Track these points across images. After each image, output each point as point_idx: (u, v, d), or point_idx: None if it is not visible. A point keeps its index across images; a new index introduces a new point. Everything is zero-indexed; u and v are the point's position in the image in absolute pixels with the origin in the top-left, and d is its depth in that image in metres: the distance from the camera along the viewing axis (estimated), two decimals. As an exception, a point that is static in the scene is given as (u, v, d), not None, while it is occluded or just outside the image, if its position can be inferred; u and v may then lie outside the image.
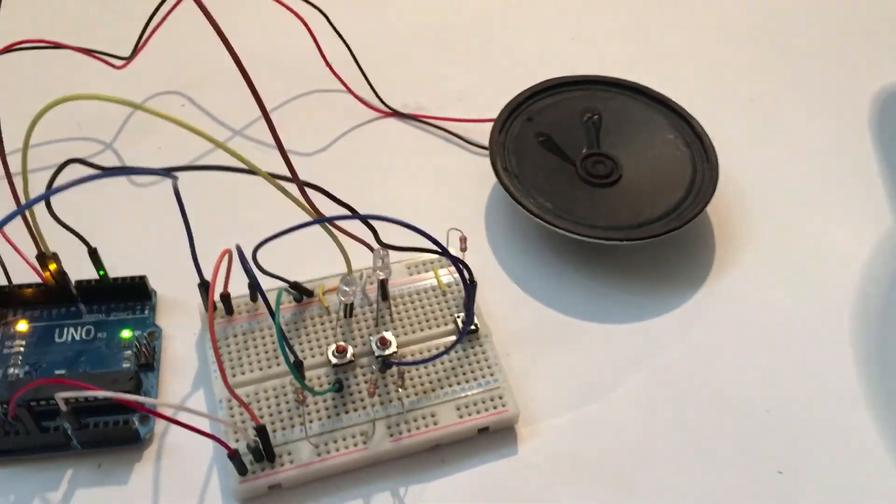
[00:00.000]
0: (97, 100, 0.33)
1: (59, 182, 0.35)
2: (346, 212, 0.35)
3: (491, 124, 0.48)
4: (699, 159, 0.46)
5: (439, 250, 0.37)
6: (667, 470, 0.38)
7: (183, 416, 0.34)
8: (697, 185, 0.45)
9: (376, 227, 0.37)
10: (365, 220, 0.34)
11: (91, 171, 0.34)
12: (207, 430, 0.34)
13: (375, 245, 0.38)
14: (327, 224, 0.35)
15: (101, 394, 0.31)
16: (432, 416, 0.38)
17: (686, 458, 0.39)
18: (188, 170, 0.33)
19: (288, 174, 0.33)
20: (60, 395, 0.32)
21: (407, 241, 0.37)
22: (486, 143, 0.49)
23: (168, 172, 0.32)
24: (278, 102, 0.52)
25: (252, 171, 0.32)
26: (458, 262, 0.35)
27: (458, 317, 0.41)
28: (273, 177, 0.32)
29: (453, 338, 0.41)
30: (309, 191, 0.34)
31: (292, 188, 0.34)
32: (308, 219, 0.34)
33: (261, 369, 0.39)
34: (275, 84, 0.52)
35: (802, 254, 0.46)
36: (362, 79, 0.52)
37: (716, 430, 0.39)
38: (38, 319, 0.41)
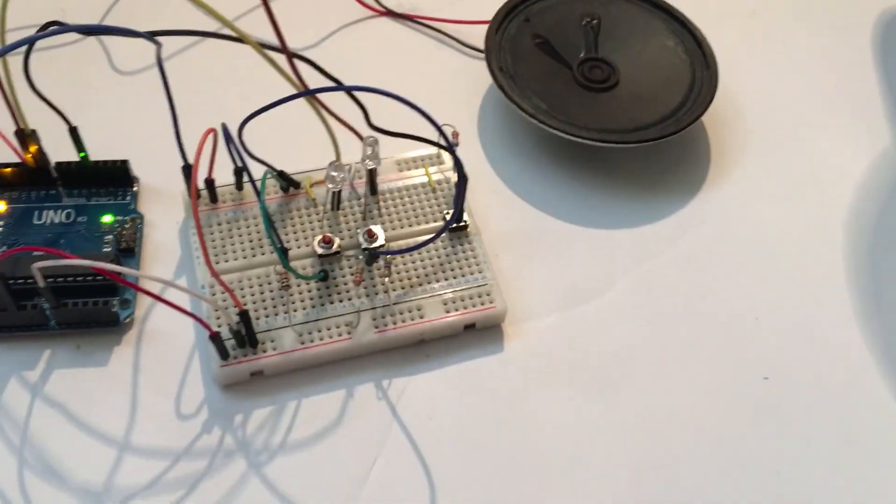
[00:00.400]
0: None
1: (53, 70, 0.33)
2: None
3: (486, 26, 0.47)
4: (698, 66, 0.45)
5: (435, 141, 0.37)
6: (651, 374, 0.38)
7: (165, 294, 0.33)
8: (696, 91, 0.44)
9: (366, 110, 0.36)
10: (351, 92, 0.33)
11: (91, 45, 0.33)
12: (189, 308, 0.33)
13: (366, 133, 0.37)
14: (315, 103, 0.34)
15: (79, 262, 0.30)
16: (418, 309, 0.38)
17: (672, 364, 0.38)
18: (172, 34, 0.31)
19: (264, 43, 0.32)
20: (38, 266, 0.31)
21: (398, 128, 0.37)
22: (481, 45, 0.48)
23: (151, 37, 0.31)
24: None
25: (241, 38, 0.31)
26: (452, 151, 0.34)
27: (448, 213, 0.40)
28: (262, 46, 0.31)
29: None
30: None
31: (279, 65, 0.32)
32: (294, 92, 0.33)
33: (245, 258, 0.38)
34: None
35: (797, 169, 0.46)
36: (356, -25, 0.50)
37: (703, 337, 0.39)
38: (16, 201, 0.40)
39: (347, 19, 0.50)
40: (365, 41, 0.49)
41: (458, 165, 0.34)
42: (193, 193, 0.34)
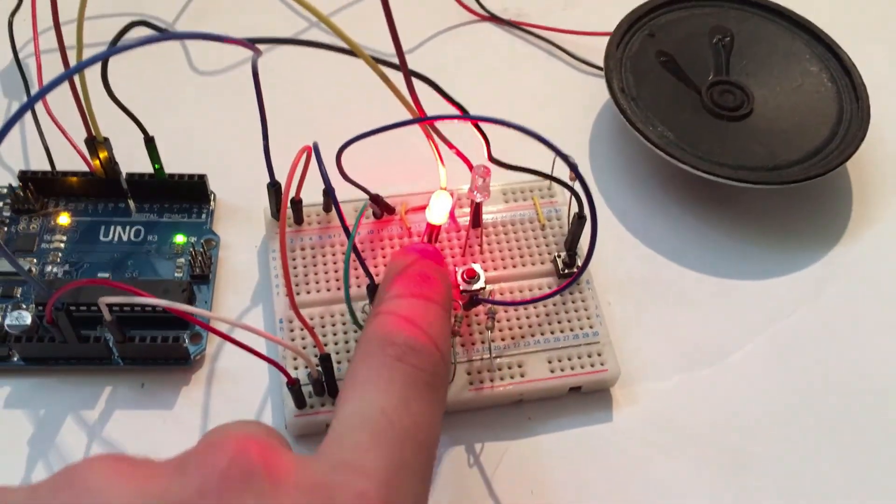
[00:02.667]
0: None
1: (128, 71, 0.29)
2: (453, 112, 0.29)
3: (603, 38, 0.42)
4: (846, 97, 0.40)
5: (562, 181, 0.32)
6: (786, 451, 0.33)
7: (239, 335, 0.29)
8: (844, 127, 0.39)
9: (489, 142, 0.31)
10: (478, 124, 0.29)
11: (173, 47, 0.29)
12: (264, 353, 0.29)
13: (477, 161, 0.32)
14: (430, 130, 0.29)
15: (150, 301, 0.26)
16: (519, 366, 0.33)
17: (809, 440, 0.33)
18: (274, 42, 0.27)
19: (378, 58, 0.27)
20: (105, 301, 0.28)
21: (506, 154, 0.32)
22: (594, 59, 0.43)
23: (251, 44, 0.26)
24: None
25: (353, 51, 0.26)
26: (589, 196, 0.29)
27: (559, 256, 0.35)
28: (376, 62, 0.27)
29: (549, 279, 0.35)
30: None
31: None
32: (408, 116, 0.28)
33: (329, 291, 0.34)
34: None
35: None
36: (458, -25, 0.46)
37: (846, 411, 0.34)
38: (82, 213, 0.36)
39: (446, 24, 0.45)
40: (465, 48, 0.45)
41: (588, 208, 0.29)
42: (283, 217, 0.29)
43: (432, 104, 0.29)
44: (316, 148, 0.30)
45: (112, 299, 0.27)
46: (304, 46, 0.28)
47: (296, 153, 0.30)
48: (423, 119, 0.28)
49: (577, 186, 0.30)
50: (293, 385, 0.30)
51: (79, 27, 0.30)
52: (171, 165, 0.36)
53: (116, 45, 0.22)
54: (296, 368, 0.32)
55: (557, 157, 0.30)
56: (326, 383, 0.31)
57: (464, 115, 0.28)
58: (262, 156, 0.31)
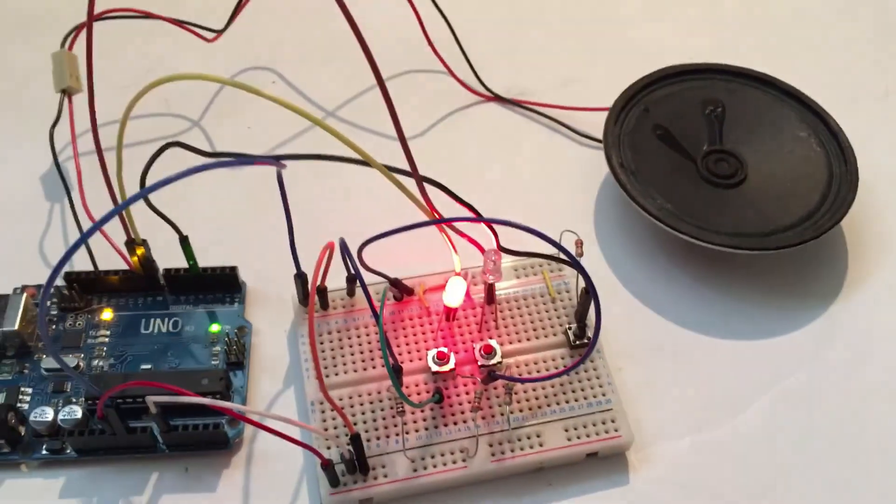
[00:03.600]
0: (202, 80, 0.30)
1: (156, 167, 0.32)
2: (462, 210, 0.32)
3: (600, 114, 0.44)
4: (835, 160, 0.42)
5: (566, 260, 0.34)
6: (800, 505, 0.35)
7: (273, 423, 0.31)
8: (834, 189, 0.41)
9: (498, 236, 0.33)
10: (490, 225, 0.31)
11: (198, 159, 0.32)
12: (299, 435, 0.32)
13: (488, 247, 0.35)
14: (445, 228, 0.32)
15: (194, 400, 0.29)
16: (538, 436, 0.35)
17: (822, 495, 0.35)
18: (297, 158, 0.30)
19: (390, 166, 0.30)
20: (152, 400, 0.30)
21: (519, 240, 0.34)
22: (594, 133, 0.46)
23: (277, 161, 0.29)
24: (372, 83, 0.48)
25: (367, 162, 0.29)
26: (586, 276, 0.31)
27: (570, 328, 0.38)
28: (389, 169, 0.29)
29: (561, 350, 0.37)
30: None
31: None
32: (423, 218, 0.31)
33: (356, 371, 0.36)
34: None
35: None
36: (462, 60, 0.48)
37: (856, 464, 0.36)
38: (123, 308, 0.39)
39: (455, 105, 0.48)
40: (473, 128, 0.47)
41: (592, 287, 0.31)
42: (311, 308, 0.32)
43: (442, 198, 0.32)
44: (343, 243, 0.32)
45: (159, 399, 0.30)
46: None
47: (317, 245, 0.33)
48: (438, 221, 0.30)
49: (585, 259, 0.33)
50: (327, 466, 0.32)
51: (118, 148, 0.32)
52: (204, 258, 0.39)
53: (163, 180, 0.24)
54: (328, 449, 0.34)
55: (563, 235, 0.32)
56: (358, 461, 0.33)
57: (476, 216, 0.30)
58: (288, 247, 0.34)
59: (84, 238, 0.24)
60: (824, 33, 0.53)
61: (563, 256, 0.34)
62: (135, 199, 0.25)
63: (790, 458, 0.36)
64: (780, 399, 0.37)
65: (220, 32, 0.46)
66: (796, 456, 0.36)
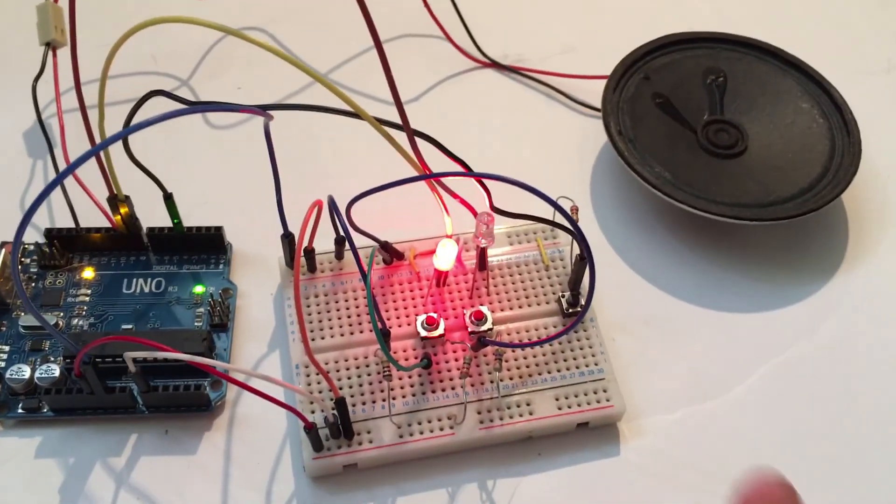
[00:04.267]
0: (186, 23, 0.29)
1: (139, 116, 0.31)
2: (455, 167, 0.31)
3: (600, 82, 0.43)
4: (838, 133, 0.41)
5: (560, 224, 0.34)
6: (796, 483, 0.34)
7: (258, 384, 0.30)
8: (836, 161, 0.40)
9: (490, 194, 0.32)
10: (481, 179, 0.30)
11: (176, 106, 0.31)
12: (283, 398, 0.31)
13: (481, 209, 0.34)
14: (434, 181, 0.31)
15: (174, 355, 0.28)
16: (528, 404, 0.34)
17: (816, 470, 0.34)
18: (285, 109, 0.29)
19: (381, 118, 0.29)
20: (130, 355, 0.29)
21: (513, 206, 0.34)
22: (593, 101, 0.45)
23: (263, 111, 0.28)
24: (367, 45, 0.48)
25: (357, 114, 0.28)
26: (582, 239, 0.30)
27: (563, 296, 0.37)
28: (380, 123, 0.28)
29: (554, 318, 0.37)
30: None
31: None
32: (414, 173, 0.30)
33: (342, 335, 0.35)
34: (362, 24, 0.48)
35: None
36: (459, 24, 0.47)
37: (851, 439, 0.35)
38: (105, 267, 0.38)
39: (450, 71, 0.47)
40: (469, 94, 0.46)
41: (588, 252, 0.31)
42: (297, 266, 0.31)
43: (436, 156, 0.31)
44: (332, 201, 0.31)
45: (137, 354, 0.29)
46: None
47: (306, 206, 0.32)
48: (428, 176, 0.29)
49: (581, 225, 0.32)
50: (310, 429, 0.31)
51: (100, 96, 0.31)
52: (189, 218, 0.38)
53: (141, 122, 0.23)
54: (312, 413, 0.33)
55: (559, 201, 0.31)
56: (342, 426, 0.32)
57: (467, 171, 0.29)
58: (275, 207, 0.33)
59: (58, 180, 0.23)
60: (829, 4, 0.52)
61: (559, 221, 0.34)
62: (114, 139, 0.24)
63: (784, 432, 0.35)
64: (776, 373, 0.37)
65: (211, -10, 0.45)
66: (790, 431, 0.35)
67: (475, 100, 0.46)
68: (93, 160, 0.34)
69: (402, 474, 0.34)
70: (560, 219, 0.33)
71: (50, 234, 0.37)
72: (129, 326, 0.36)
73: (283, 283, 0.37)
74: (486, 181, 0.31)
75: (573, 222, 0.30)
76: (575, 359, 0.35)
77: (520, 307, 0.37)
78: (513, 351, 0.35)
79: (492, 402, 0.34)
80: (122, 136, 0.24)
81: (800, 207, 0.38)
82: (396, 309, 0.36)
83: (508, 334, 0.36)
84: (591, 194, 0.42)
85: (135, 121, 0.31)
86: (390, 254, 0.37)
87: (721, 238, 0.41)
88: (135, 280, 0.37)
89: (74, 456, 0.33)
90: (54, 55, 0.40)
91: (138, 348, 0.29)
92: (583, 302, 0.36)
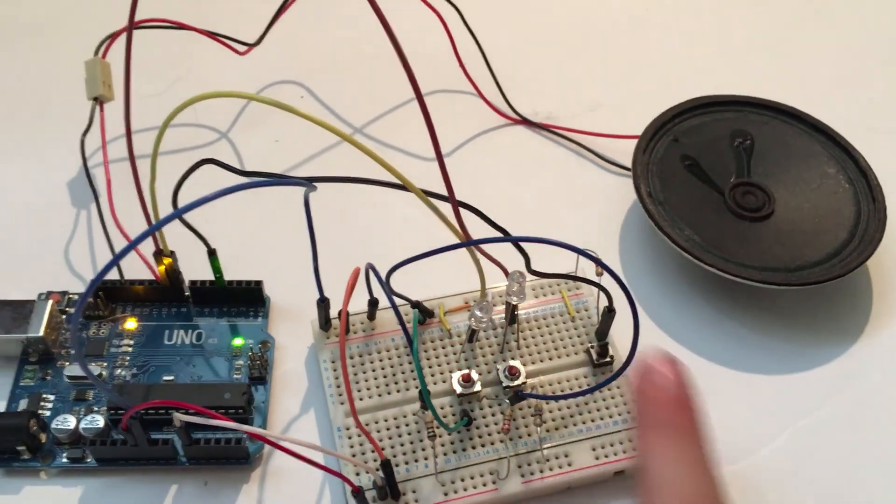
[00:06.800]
0: (239, 98, 0.30)
1: (189, 182, 0.32)
2: (492, 230, 0.32)
3: (628, 141, 0.44)
4: (863, 198, 0.42)
5: (595, 283, 0.35)
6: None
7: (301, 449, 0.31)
8: (861, 227, 0.41)
9: (529, 258, 0.33)
10: (517, 244, 0.31)
11: (226, 174, 0.32)
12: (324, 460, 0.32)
13: (513, 269, 0.35)
14: (474, 250, 0.32)
15: (225, 424, 0.29)
16: (566, 455, 0.35)
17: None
18: (330, 181, 0.30)
19: (427, 190, 0.30)
20: (179, 417, 0.30)
21: (536, 258, 0.34)
22: (622, 160, 0.46)
23: (309, 183, 0.29)
24: (400, 101, 0.49)
25: (404, 185, 0.29)
26: (625, 290, 0.31)
27: (592, 346, 0.38)
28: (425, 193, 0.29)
29: (584, 369, 0.37)
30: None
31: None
32: (446, 238, 0.31)
33: (379, 395, 0.36)
34: (396, 79, 0.49)
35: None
36: (491, 81, 0.49)
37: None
38: (147, 318, 0.39)
39: (481, 127, 0.48)
40: (500, 150, 0.47)
41: (630, 301, 0.31)
42: (342, 335, 0.32)
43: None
44: (374, 269, 0.32)
45: (186, 418, 0.30)
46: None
47: (339, 264, 0.34)
48: (471, 243, 0.30)
49: (604, 280, 0.33)
50: (358, 493, 0.32)
51: (152, 165, 0.32)
52: (228, 271, 0.39)
53: (199, 200, 0.24)
54: (357, 475, 0.34)
55: (581, 258, 0.32)
56: (389, 487, 0.33)
57: (507, 237, 0.30)
58: (310, 259, 0.34)
59: (120, 256, 0.24)
60: (853, 67, 0.53)
61: (592, 279, 0.35)
62: (170, 218, 0.25)
63: (810, 499, 0.36)
64: (799, 438, 0.37)
65: (252, 45, 0.46)
66: (819, 497, 0.36)
67: (505, 156, 0.47)
68: (138, 214, 0.35)
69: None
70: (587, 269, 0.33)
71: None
72: (171, 377, 0.37)
73: (316, 344, 0.38)
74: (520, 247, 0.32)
75: (614, 275, 0.31)
76: (608, 408, 0.36)
77: (549, 359, 0.38)
78: (546, 403, 0.36)
79: (530, 456, 0.35)
80: (178, 215, 0.25)
81: (826, 273, 0.39)
82: (430, 367, 0.37)
83: (541, 387, 0.37)
84: (620, 253, 0.43)
85: (184, 187, 0.32)
86: (422, 313, 0.38)
87: (748, 300, 0.41)
88: (176, 331, 0.38)
89: (115, 506, 0.34)
90: (101, 109, 0.41)
91: (187, 411, 0.30)
92: (612, 353, 0.37)
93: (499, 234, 0.33)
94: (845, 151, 0.44)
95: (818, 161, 0.44)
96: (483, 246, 0.34)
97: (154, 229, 0.25)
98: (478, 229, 0.33)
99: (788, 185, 0.43)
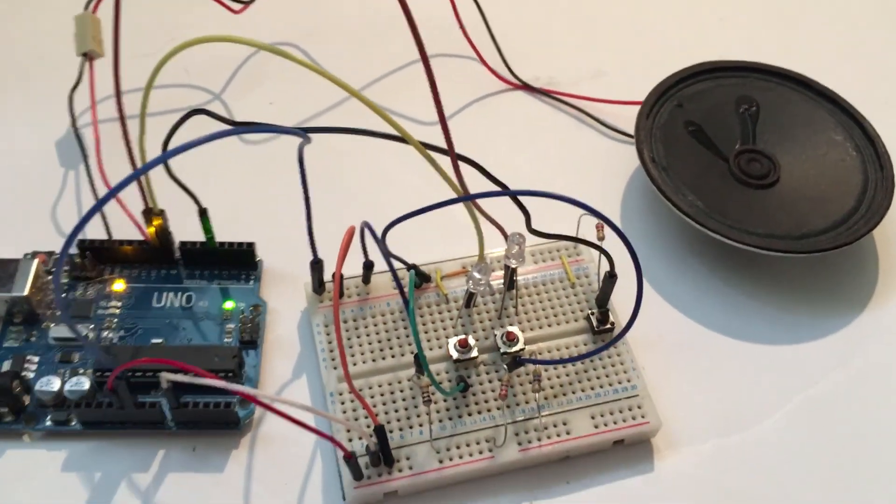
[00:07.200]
0: (227, 41, 0.29)
1: (176, 137, 0.31)
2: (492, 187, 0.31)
3: (632, 107, 0.43)
4: (871, 166, 0.41)
5: (598, 245, 0.34)
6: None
7: (294, 411, 0.30)
8: (869, 195, 0.40)
9: (529, 215, 0.32)
10: (516, 198, 0.30)
11: (217, 124, 0.31)
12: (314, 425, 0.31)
13: (511, 229, 0.34)
14: (471, 203, 0.31)
15: (215, 383, 0.27)
16: (564, 423, 0.34)
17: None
18: (326, 132, 0.29)
19: (425, 142, 0.29)
20: (167, 377, 0.29)
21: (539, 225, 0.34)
22: (624, 127, 0.45)
23: (303, 134, 0.28)
24: (400, 64, 0.48)
25: (402, 138, 0.28)
26: (632, 251, 0.30)
27: (593, 313, 0.37)
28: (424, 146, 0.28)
29: (584, 336, 0.37)
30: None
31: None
32: (445, 192, 0.30)
33: (374, 360, 0.35)
34: (397, 43, 0.48)
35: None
36: (491, 45, 0.47)
37: (881, 477, 0.35)
38: (136, 280, 0.37)
39: (480, 92, 0.47)
40: (499, 116, 0.46)
41: (636, 264, 0.31)
42: (336, 299, 0.31)
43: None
44: (370, 227, 0.31)
45: (174, 377, 0.28)
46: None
47: (334, 225, 0.33)
48: (467, 198, 0.29)
49: (606, 245, 0.32)
50: (350, 458, 0.31)
51: (141, 116, 0.31)
52: (219, 232, 0.38)
53: (185, 144, 0.23)
54: (350, 441, 0.33)
55: (581, 219, 0.31)
56: (382, 453, 0.32)
57: (507, 191, 0.29)
58: (304, 220, 0.33)
59: (103, 202, 0.23)
60: (861, 35, 0.52)
61: (594, 241, 0.34)
62: (156, 162, 0.24)
63: (816, 466, 0.35)
64: (805, 407, 0.36)
65: (247, 4, 0.45)
66: (822, 464, 0.35)
67: (505, 121, 0.46)
68: (128, 173, 0.34)
69: (441, 500, 0.33)
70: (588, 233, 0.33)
71: (82, 245, 0.37)
72: (159, 340, 0.36)
73: (309, 308, 0.37)
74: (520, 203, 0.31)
75: (623, 236, 0.30)
76: (608, 376, 0.35)
77: (549, 326, 0.37)
78: (545, 370, 0.35)
79: (528, 424, 0.34)
80: (165, 159, 0.24)
81: (833, 241, 0.38)
82: (427, 332, 0.36)
83: (539, 353, 0.36)
84: (621, 219, 0.42)
85: (173, 138, 0.31)
86: (418, 276, 0.37)
87: (752, 268, 0.40)
88: (165, 294, 0.37)
89: (101, 471, 0.33)
90: (91, 66, 0.40)
91: (174, 370, 0.29)
92: (612, 320, 0.37)
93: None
94: (852, 118, 0.43)
95: (825, 128, 0.43)
96: (483, 207, 0.33)
97: (140, 173, 0.24)
98: (476, 188, 0.32)
99: (794, 153, 0.42)
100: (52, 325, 0.36)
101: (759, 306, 0.39)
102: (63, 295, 0.37)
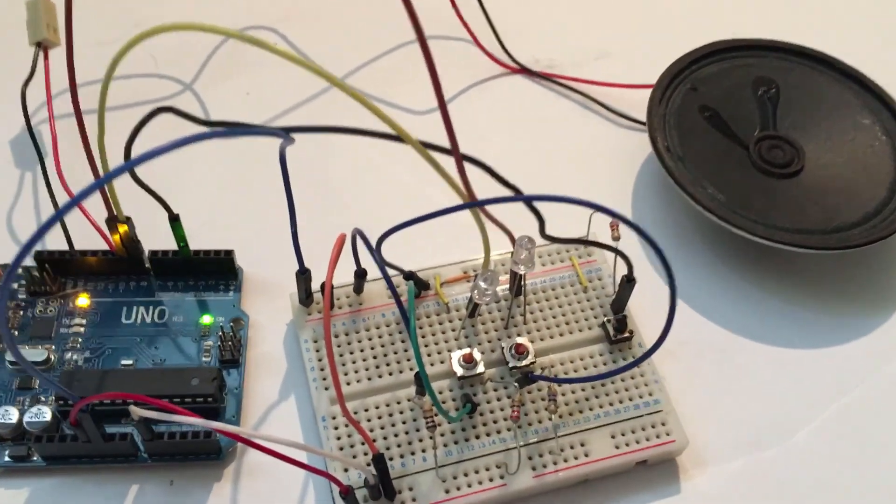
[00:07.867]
0: (198, 30, 0.25)
1: (143, 134, 0.27)
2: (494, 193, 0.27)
3: (640, 91, 0.40)
4: (903, 152, 0.38)
5: (613, 247, 0.31)
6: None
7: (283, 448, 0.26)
8: (902, 183, 0.37)
9: (544, 220, 0.29)
10: (531, 203, 0.27)
11: (186, 124, 0.27)
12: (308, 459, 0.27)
13: (517, 232, 0.30)
14: (479, 213, 0.27)
15: (188, 419, 0.24)
16: (582, 444, 0.31)
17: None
18: (313, 132, 0.25)
19: (426, 142, 0.25)
20: (137, 411, 0.25)
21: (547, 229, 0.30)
22: (633, 112, 0.42)
23: (286, 135, 0.24)
24: (390, 47, 0.44)
25: (399, 136, 0.24)
26: (663, 259, 0.27)
27: (609, 320, 0.33)
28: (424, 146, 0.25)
29: (599, 346, 0.33)
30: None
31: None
32: (436, 201, 0.27)
33: (369, 379, 0.32)
34: (387, 26, 0.44)
35: None
36: (487, 26, 0.44)
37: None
38: (102, 294, 0.34)
39: (476, 77, 0.43)
40: (497, 102, 0.43)
41: (668, 273, 0.27)
42: (326, 317, 0.28)
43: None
44: (363, 235, 0.28)
45: (145, 413, 0.25)
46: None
47: (320, 230, 0.30)
48: (475, 204, 0.26)
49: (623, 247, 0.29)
50: (347, 494, 0.28)
51: (100, 113, 0.28)
52: (194, 239, 0.34)
53: (151, 151, 0.20)
54: (346, 471, 0.30)
55: (592, 217, 0.28)
56: (382, 485, 0.29)
57: (520, 196, 0.26)
58: (288, 225, 0.29)
59: (59, 215, 0.19)
60: (888, 10, 0.49)
61: (609, 244, 0.31)
62: (118, 171, 0.20)
63: (860, 481, 0.32)
64: (843, 415, 0.34)
65: (218, -16, 0.41)
66: (868, 479, 0.32)
67: (504, 108, 0.43)
68: (89, 176, 0.31)
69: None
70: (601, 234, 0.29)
71: (41, 257, 0.33)
72: (130, 362, 0.32)
73: (296, 321, 0.33)
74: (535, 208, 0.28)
75: (650, 239, 0.27)
76: (628, 390, 0.32)
77: (560, 335, 0.33)
78: (559, 386, 0.32)
79: (542, 446, 0.31)
80: (131, 167, 0.20)
81: (868, 235, 0.35)
82: (427, 346, 0.33)
83: (552, 366, 0.33)
84: (633, 213, 0.39)
85: (139, 139, 0.27)
86: (417, 284, 0.33)
87: (778, 266, 0.37)
88: (135, 308, 0.34)
89: (67, 510, 0.30)
90: (46, 56, 0.36)
91: (146, 406, 0.25)
92: (630, 326, 0.33)
93: (501, 194, 0.28)
94: (880, 100, 0.40)
95: (851, 111, 0.39)
96: (489, 209, 0.30)
97: (100, 184, 0.20)
98: (475, 181, 0.28)
99: (819, 138, 0.39)
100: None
101: (786, 307, 0.36)
102: (20, 313, 0.33)
